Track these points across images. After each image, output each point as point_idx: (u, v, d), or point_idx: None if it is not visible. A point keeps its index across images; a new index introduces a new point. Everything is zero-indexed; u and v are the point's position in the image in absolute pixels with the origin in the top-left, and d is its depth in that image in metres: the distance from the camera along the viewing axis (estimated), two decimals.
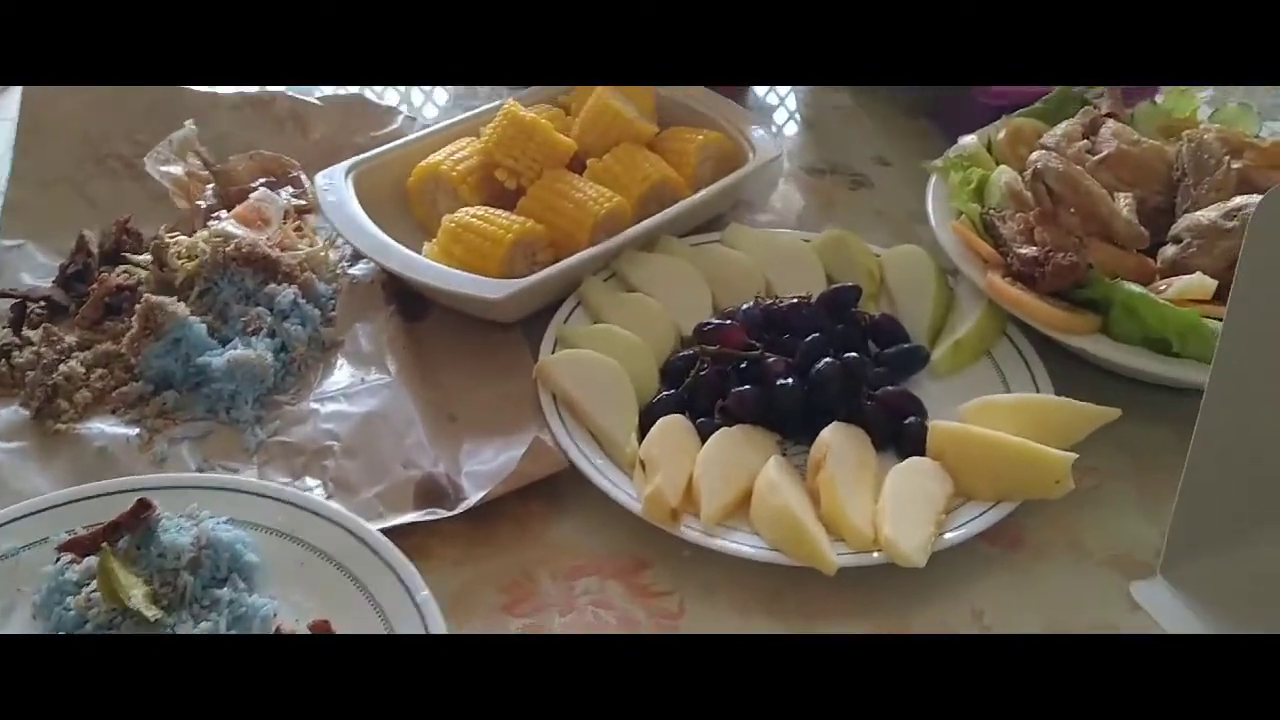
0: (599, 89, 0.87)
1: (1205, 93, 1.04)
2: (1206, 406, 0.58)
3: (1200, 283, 0.72)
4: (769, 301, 0.76)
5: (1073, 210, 0.75)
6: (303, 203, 0.85)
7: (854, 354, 0.71)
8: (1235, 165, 0.79)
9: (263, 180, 0.86)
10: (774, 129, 1.02)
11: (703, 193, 0.83)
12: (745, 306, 0.75)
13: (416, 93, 1.04)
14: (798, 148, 1.00)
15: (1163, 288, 0.73)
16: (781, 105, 1.06)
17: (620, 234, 0.79)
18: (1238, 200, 0.74)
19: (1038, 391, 0.72)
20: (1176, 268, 0.75)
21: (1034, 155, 0.78)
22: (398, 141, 0.86)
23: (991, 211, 0.78)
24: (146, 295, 0.72)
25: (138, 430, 0.69)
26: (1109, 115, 0.86)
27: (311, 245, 0.82)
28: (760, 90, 1.07)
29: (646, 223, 0.80)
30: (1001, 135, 0.86)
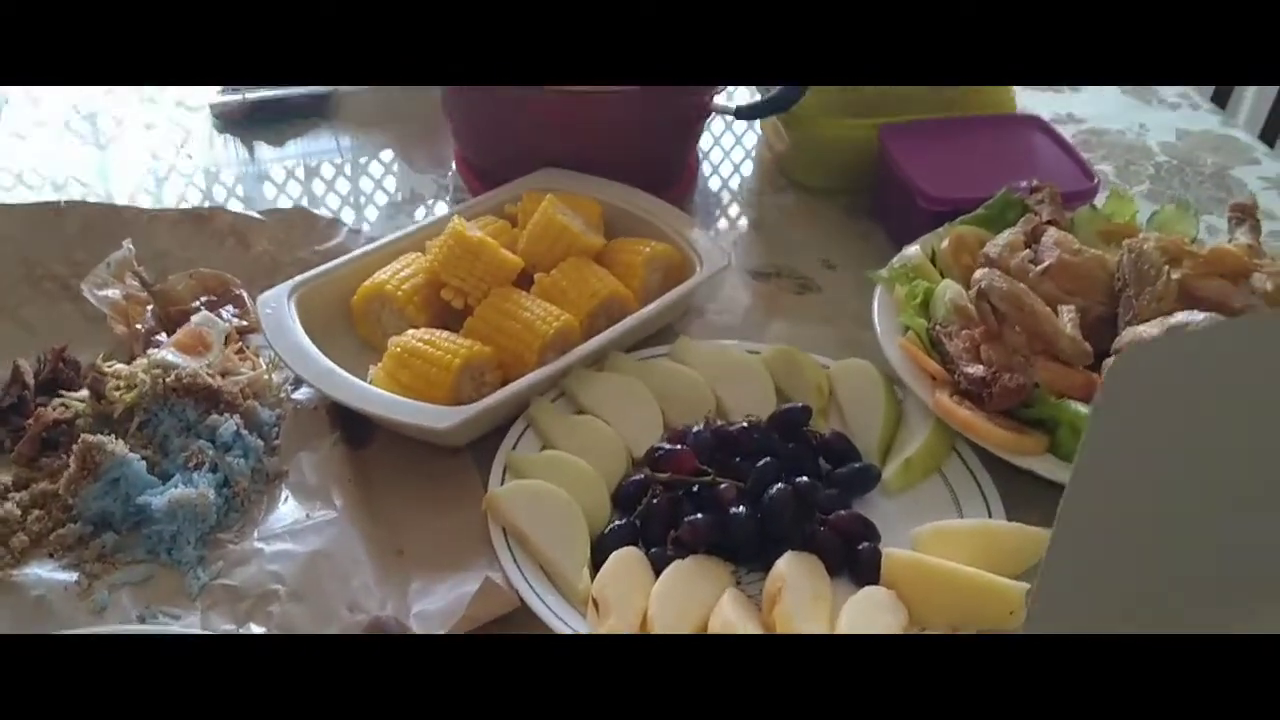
0: (545, 202, 0.87)
1: (1142, 186, 1.07)
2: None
3: None
4: (719, 424, 0.76)
5: (1018, 329, 0.76)
6: (245, 323, 0.84)
7: (806, 479, 0.71)
8: (1175, 275, 0.81)
9: (204, 299, 0.85)
10: (715, 232, 1.02)
11: (650, 308, 0.83)
12: (696, 429, 0.75)
13: (347, 210, 1.03)
14: (744, 249, 1.00)
15: None
16: (733, 203, 1.07)
17: (569, 353, 0.79)
18: (1179, 317, 0.76)
19: (989, 513, 0.72)
20: None
21: (978, 274, 0.79)
22: (341, 259, 0.85)
23: (938, 327, 0.79)
24: (84, 435, 0.70)
25: (76, 576, 0.67)
26: (1050, 222, 0.88)
27: (254, 369, 0.80)
28: (714, 184, 1.08)
29: (594, 341, 0.80)
30: (945, 244, 0.87)
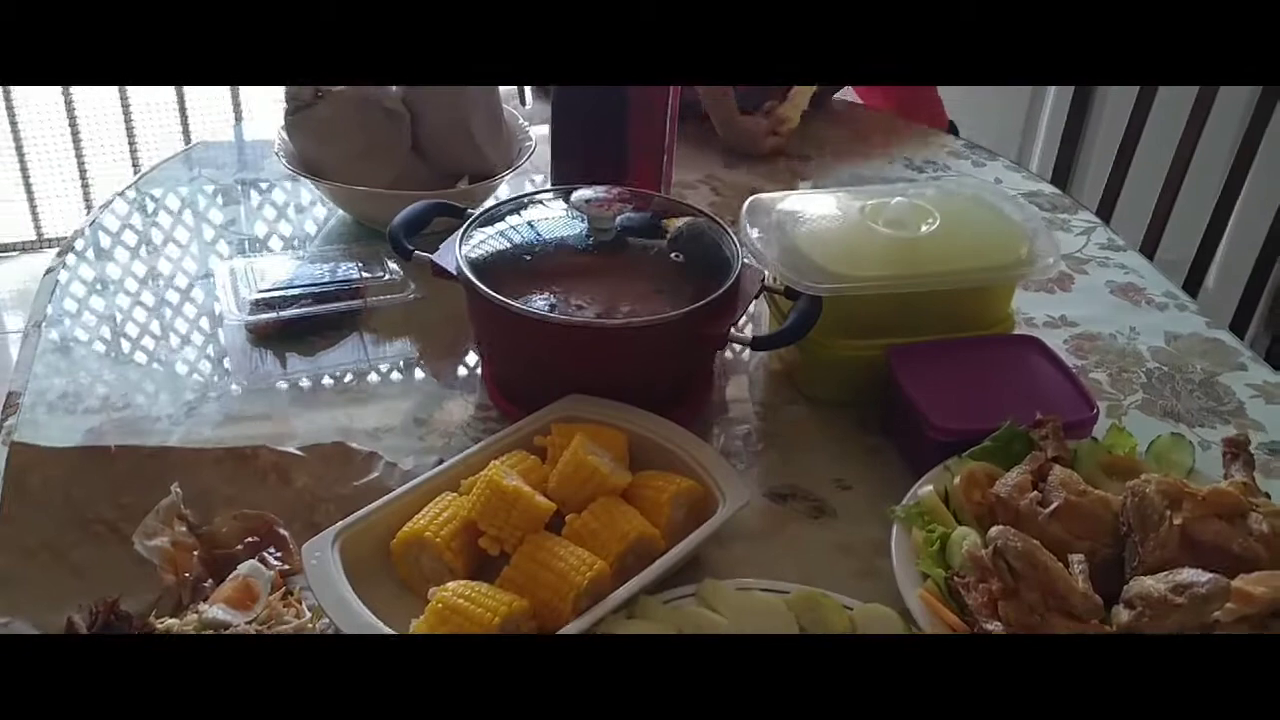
0: (574, 442, 0.91)
1: (1135, 396, 1.12)
2: None
3: None
4: None
5: (1033, 585, 0.80)
6: (288, 566, 0.87)
7: None
8: (1176, 521, 0.85)
9: (248, 540, 0.88)
10: (729, 450, 1.06)
11: (677, 551, 0.86)
12: None
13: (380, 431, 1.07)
14: (758, 468, 1.04)
15: None
16: (746, 417, 1.11)
17: (600, 603, 0.82)
18: (1186, 575, 0.80)
19: None
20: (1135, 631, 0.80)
21: (993, 531, 0.83)
22: (380, 502, 0.89)
23: (956, 579, 0.83)
24: None
25: None
26: (1055, 458, 0.92)
27: (298, 615, 0.83)
28: (728, 393, 1.12)
29: (624, 590, 0.83)
30: (956, 482, 0.91)
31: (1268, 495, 0.91)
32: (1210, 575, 0.79)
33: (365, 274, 1.16)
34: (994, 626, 0.78)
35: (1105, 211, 1.77)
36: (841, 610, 0.85)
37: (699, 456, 0.96)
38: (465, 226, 1.07)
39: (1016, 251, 1.08)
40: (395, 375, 1.12)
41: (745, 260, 1.06)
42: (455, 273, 1.03)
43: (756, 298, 1.07)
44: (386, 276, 1.17)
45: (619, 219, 1.06)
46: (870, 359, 1.06)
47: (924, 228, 1.09)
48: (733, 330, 1.03)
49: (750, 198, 1.15)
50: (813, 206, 1.14)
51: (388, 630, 0.79)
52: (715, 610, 0.85)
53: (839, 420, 1.09)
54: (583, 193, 1.07)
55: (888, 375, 1.04)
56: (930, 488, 0.91)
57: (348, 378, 1.10)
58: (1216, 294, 2.10)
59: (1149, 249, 1.70)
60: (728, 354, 1.18)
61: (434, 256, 1.05)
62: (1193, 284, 1.67)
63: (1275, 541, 0.86)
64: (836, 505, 1.00)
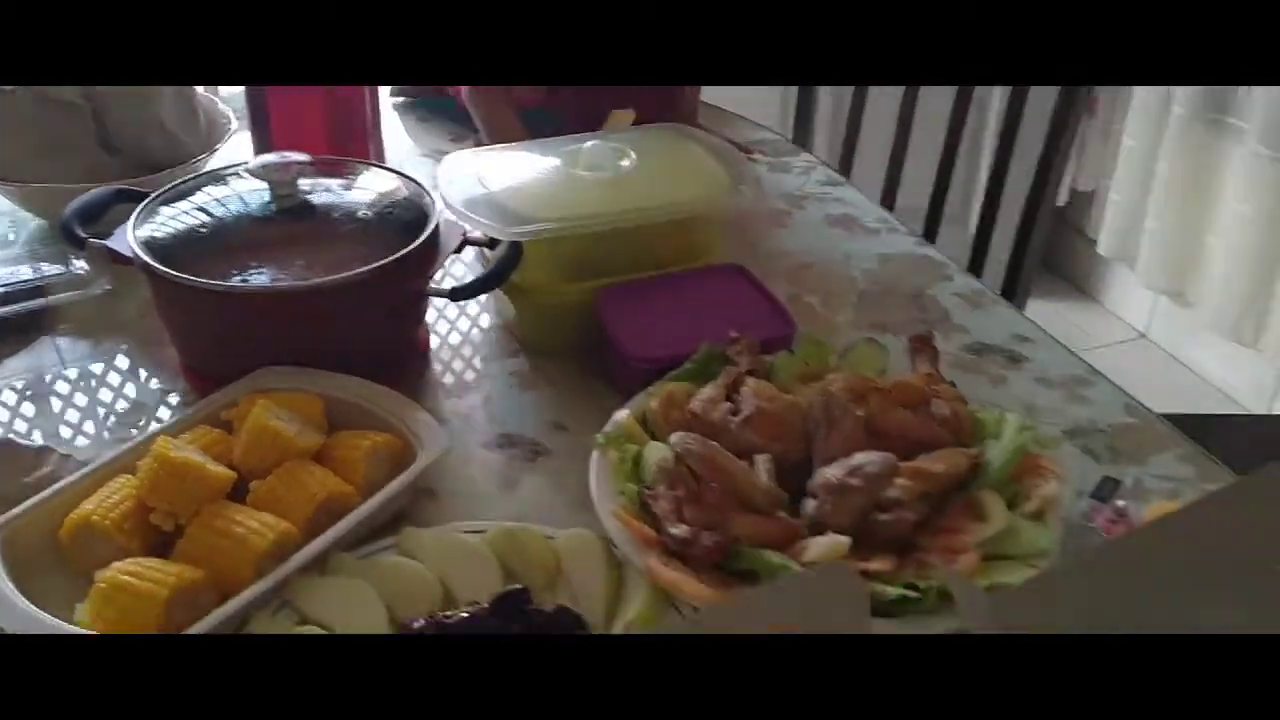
0: (255, 407, 0.87)
1: (847, 314, 1.14)
2: None
3: (833, 544, 0.77)
4: (441, 616, 0.77)
5: (715, 486, 0.80)
6: None
7: None
8: (860, 413, 0.87)
9: None
10: (449, 408, 1.04)
11: (367, 505, 0.83)
12: (416, 625, 0.76)
13: (64, 429, 1.01)
14: (477, 421, 1.02)
15: (803, 550, 0.78)
16: (466, 374, 1.09)
17: (286, 563, 0.79)
18: (858, 458, 0.81)
19: None
20: (815, 525, 0.81)
21: (673, 438, 0.83)
22: (45, 492, 0.83)
23: (646, 491, 0.83)
24: None
25: None
26: (750, 372, 0.93)
27: None
28: (447, 356, 1.10)
29: (312, 546, 0.80)
30: (655, 405, 0.91)
31: (952, 384, 0.94)
32: (881, 455, 0.81)
33: (46, 271, 1.10)
34: (678, 531, 0.78)
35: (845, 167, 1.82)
36: (542, 540, 0.84)
37: (399, 412, 0.93)
38: (140, 208, 1.02)
39: (714, 184, 1.10)
40: (95, 370, 1.06)
41: (445, 216, 1.04)
42: (131, 256, 0.98)
43: (458, 251, 1.05)
44: (71, 272, 1.10)
45: (302, 183, 1.03)
46: (583, 303, 1.05)
47: (622, 166, 1.09)
48: (432, 285, 1.01)
49: (447, 156, 1.13)
50: (510, 159, 1.13)
51: (49, 619, 0.74)
52: (414, 558, 0.83)
53: (557, 367, 1.08)
54: (261, 160, 1.03)
55: (596, 315, 1.03)
56: (628, 412, 0.91)
57: (45, 379, 1.04)
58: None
59: (889, 200, 1.74)
60: (451, 312, 1.16)
61: (109, 243, 1.00)
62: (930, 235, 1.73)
63: (957, 423, 0.89)
64: (552, 446, 0.99)
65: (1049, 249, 2.93)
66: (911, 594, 0.74)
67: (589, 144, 1.11)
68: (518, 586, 0.78)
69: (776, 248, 1.28)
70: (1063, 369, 1.08)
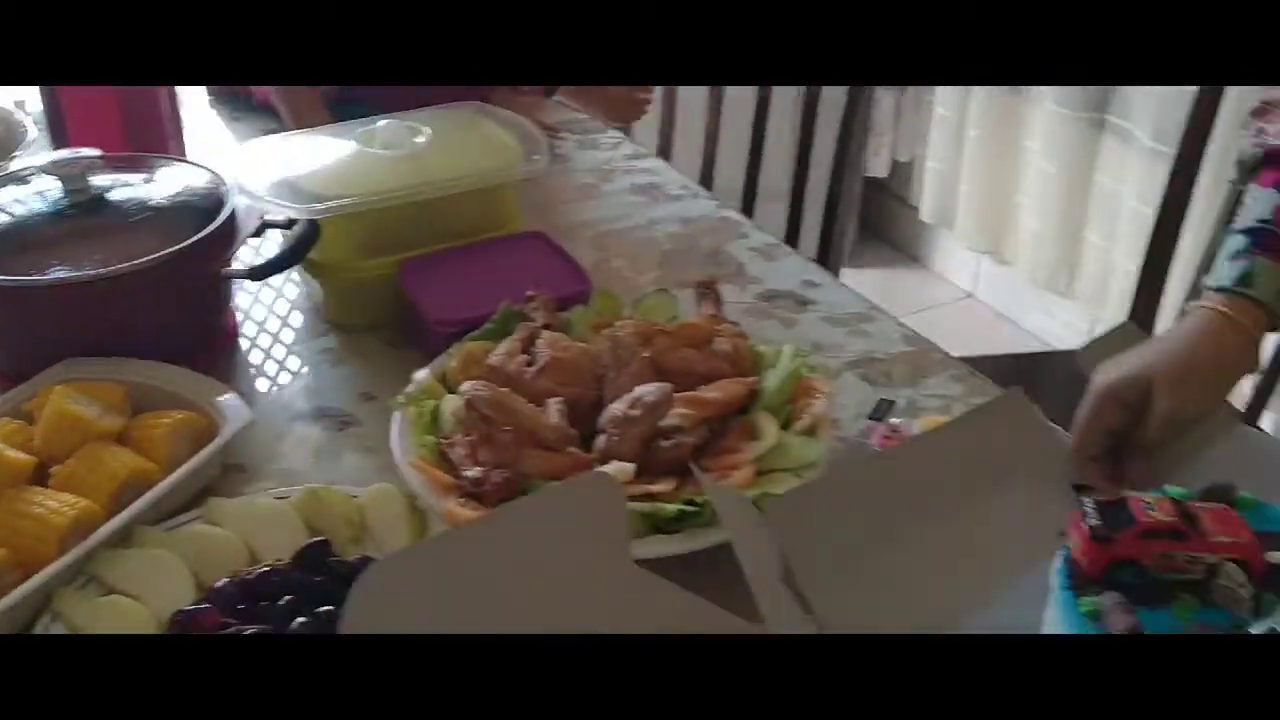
0: (54, 394, 0.88)
1: (651, 274, 1.20)
2: None
3: (618, 470, 0.82)
4: (244, 573, 0.79)
5: (506, 428, 0.84)
6: None
7: (329, 607, 0.76)
8: (646, 354, 0.92)
9: None
10: (258, 387, 1.06)
11: (170, 479, 0.85)
12: (219, 584, 0.78)
13: None
14: (289, 397, 1.05)
15: None
16: (275, 353, 1.11)
17: (88, 539, 0.80)
18: (637, 390, 0.86)
19: None
20: (606, 456, 0.86)
21: (463, 386, 0.87)
22: None
23: (442, 440, 0.86)
24: None
25: None
26: (545, 326, 0.98)
27: None
28: (249, 350, 1.12)
29: (114, 521, 0.81)
30: (454, 363, 0.95)
31: (735, 323, 1.00)
32: (658, 385, 0.86)
33: None
34: (471, 472, 0.82)
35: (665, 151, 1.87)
36: (346, 498, 0.87)
37: (203, 393, 0.95)
38: None
39: (506, 156, 1.14)
40: None
41: (241, 201, 1.06)
42: None
43: (258, 235, 1.07)
44: None
45: (95, 179, 1.04)
46: (387, 277, 1.08)
47: (417, 143, 1.13)
48: (231, 268, 1.03)
49: (245, 142, 1.15)
50: (308, 144, 1.16)
51: None
52: (220, 526, 0.85)
53: (367, 342, 1.11)
54: (51, 156, 1.03)
55: (400, 287, 1.07)
56: (428, 372, 0.94)
57: None
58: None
59: (707, 181, 1.80)
60: (266, 295, 1.18)
61: None
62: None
63: (737, 357, 0.95)
64: (362, 416, 1.02)
65: (876, 218, 3.07)
66: (689, 509, 0.80)
67: (383, 123, 1.14)
68: (319, 539, 0.81)
69: (586, 217, 1.33)
70: (847, 308, 1.16)
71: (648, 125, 2.12)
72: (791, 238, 1.78)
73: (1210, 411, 0.83)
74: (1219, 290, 0.83)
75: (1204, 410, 0.82)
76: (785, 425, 0.89)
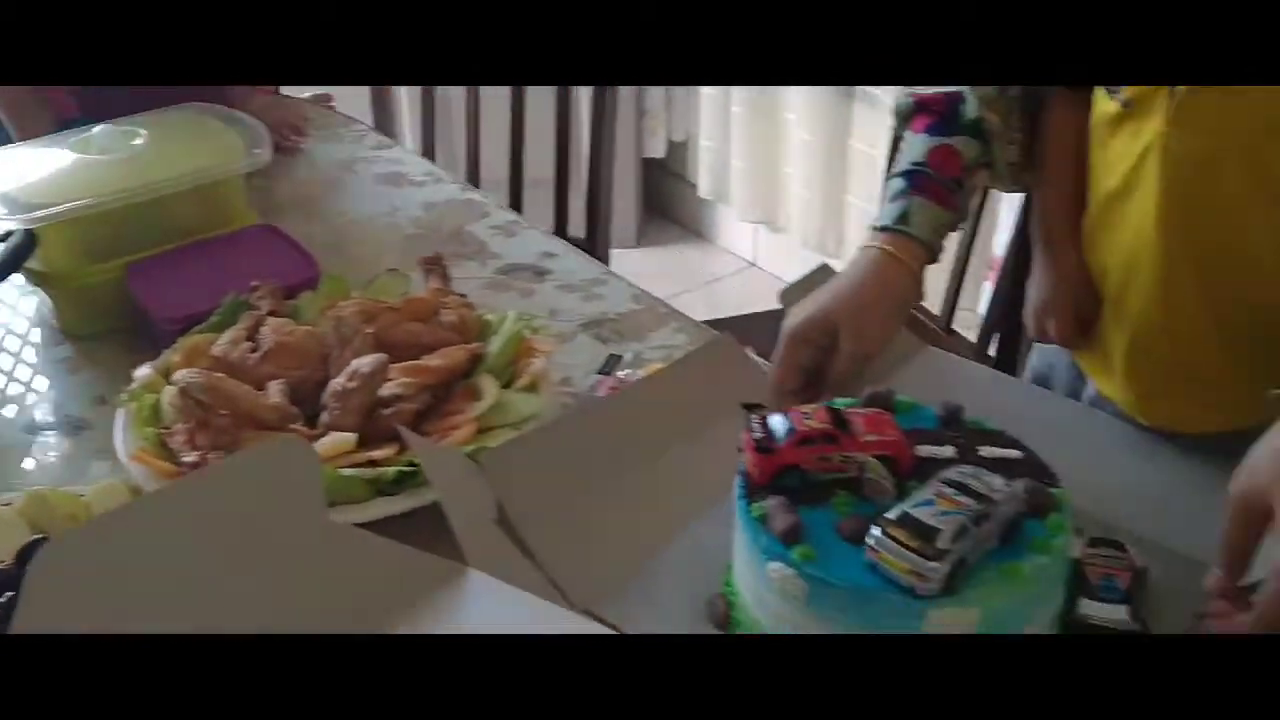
0: None
1: (393, 257, 1.22)
2: None
3: (336, 440, 0.85)
4: None
5: (224, 412, 0.86)
6: None
7: None
8: (369, 330, 0.95)
9: None
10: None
11: None
12: None
13: None
14: (30, 410, 1.03)
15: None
16: (6, 375, 1.09)
17: None
18: (353, 364, 0.89)
19: None
20: (330, 430, 0.88)
21: (176, 375, 0.88)
22: None
23: (163, 431, 0.88)
24: None
25: None
26: (271, 313, 0.99)
27: None
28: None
29: None
30: (177, 357, 0.96)
31: (462, 295, 1.04)
32: (373, 356, 0.90)
33: None
34: (190, 456, 0.83)
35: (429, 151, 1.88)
36: (72, 498, 0.87)
37: None
38: None
39: (227, 152, 1.15)
40: None
41: None
42: None
43: None
44: None
45: None
46: (115, 281, 1.08)
47: (134, 146, 1.13)
48: None
49: None
50: (25, 155, 1.14)
51: None
52: None
53: (104, 348, 1.10)
54: None
55: (128, 289, 1.07)
56: (150, 368, 0.95)
57: None
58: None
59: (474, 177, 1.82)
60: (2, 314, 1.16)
61: None
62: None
63: (463, 326, 0.99)
64: (97, 420, 1.01)
65: (660, 197, 3.16)
66: (408, 470, 0.83)
67: (98, 129, 1.13)
68: (39, 536, 0.82)
69: (330, 209, 1.35)
70: (583, 275, 1.21)
71: (414, 122, 2.14)
72: (560, 224, 1.82)
73: (889, 339, 0.92)
74: (881, 230, 0.91)
75: (883, 340, 0.90)
76: (508, 385, 0.94)
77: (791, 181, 2.72)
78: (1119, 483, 0.87)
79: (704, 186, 2.95)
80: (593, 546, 0.81)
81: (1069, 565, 0.74)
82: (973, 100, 0.92)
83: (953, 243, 1.55)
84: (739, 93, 2.71)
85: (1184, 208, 0.80)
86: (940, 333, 1.59)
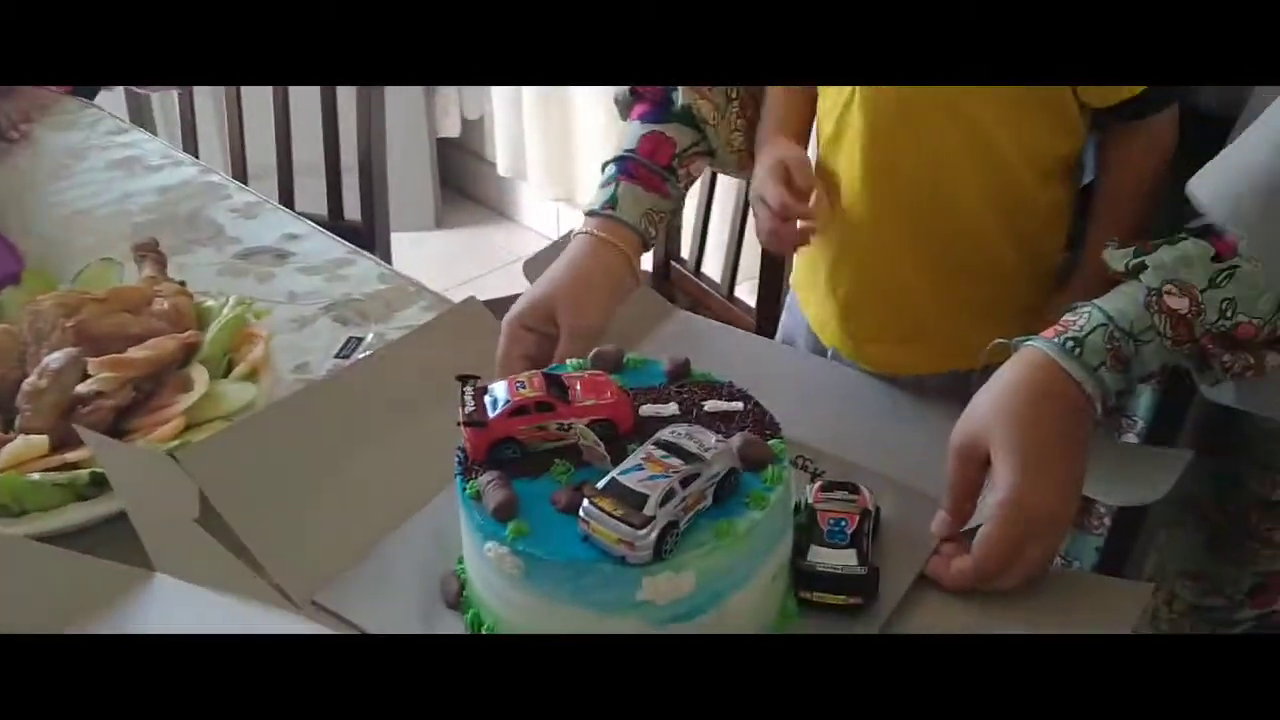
0: None
1: (123, 247, 1.14)
2: None
3: (27, 444, 0.78)
4: None
5: None
6: None
7: None
8: (69, 324, 0.88)
9: None
10: None
11: None
12: None
13: None
14: None
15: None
16: None
17: None
18: (44, 360, 0.82)
19: None
20: (23, 432, 0.81)
21: None
22: None
23: None
24: None
25: None
26: None
27: None
28: None
29: None
30: None
31: (182, 283, 0.97)
32: (64, 351, 0.83)
33: None
34: None
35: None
36: None
37: None
38: None
39: None
40: None
41: None
42: None
43: None
44: None
45: None
46: None
47: None
48: None
49: None
50: None
51: None
52: None
53: None
54: None
55: None
56: None
57: None
58: None
59: (240, 166, 1.72)
60: None
61: None
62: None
63: (177, 316, 0.92)
64: None
65: (458, 177, 3.09)
66: (100, 470, 0.77)
67: None
68: None
69: (53, 200, 1.25)
70: (326, 255, 1.15)
71: (170, 123, 2.02)
72: (335, 209, 1.74)
73: (608, 319, 0.88)
74: (590, 215, 0.90)
75: (602, 320, 0.88)
76: (227, 373, 0.88)
77: (585, 156, 2.70)
78: (861, 430, 0.87)
79: (502, 165, 2.90)
80: (318, 533, 0.77)
81: (804, 512, 0.74)
82: (682, 88, 0.90)
83: (730, 212, 1.58)
84: None
85: (887, 155, 0.80)
86: (723, 300, 1.60)
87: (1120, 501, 0.87)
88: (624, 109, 0.95)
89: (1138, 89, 0.76)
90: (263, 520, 0.76)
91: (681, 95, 0.90)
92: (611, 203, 0.89)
